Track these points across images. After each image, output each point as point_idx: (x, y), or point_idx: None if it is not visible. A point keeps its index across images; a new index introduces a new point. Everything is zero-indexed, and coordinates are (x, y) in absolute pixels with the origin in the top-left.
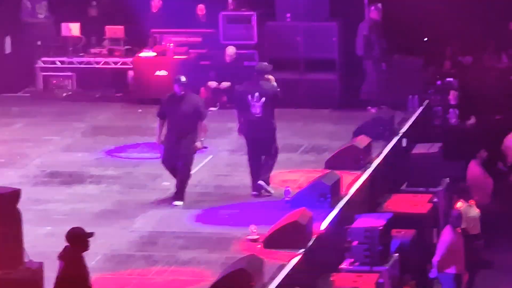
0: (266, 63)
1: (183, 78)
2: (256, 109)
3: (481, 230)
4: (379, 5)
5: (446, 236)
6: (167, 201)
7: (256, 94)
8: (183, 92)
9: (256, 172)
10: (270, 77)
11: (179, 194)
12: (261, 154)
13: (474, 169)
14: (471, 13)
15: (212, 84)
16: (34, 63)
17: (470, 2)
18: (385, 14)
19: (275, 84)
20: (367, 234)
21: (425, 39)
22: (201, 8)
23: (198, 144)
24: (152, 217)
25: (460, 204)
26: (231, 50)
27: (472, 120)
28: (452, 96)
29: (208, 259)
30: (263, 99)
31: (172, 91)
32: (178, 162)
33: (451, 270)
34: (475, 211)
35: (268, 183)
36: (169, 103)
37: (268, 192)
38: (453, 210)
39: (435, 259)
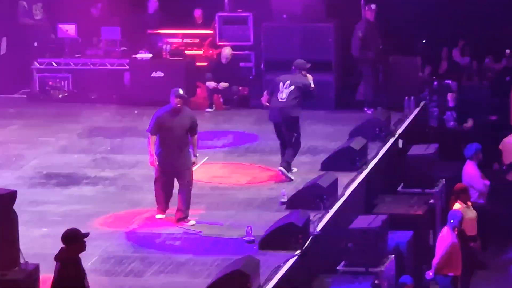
0: (303, 60)
1: (181, 91)
2: (283, 94)
3: (477, 232)
4: (373, 5)
5: (445, 238)
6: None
7: (288, 82)
8: (179, 105)
9: (282, 155)
10: (308, 76)
11: (187, 211)
12: (283, 140)
13: (470, 170)
14: (468, 14)
15: (211, 84)
16: (30, 64)
17: (468, 3)
18: (381, 14)
19: (310, 81)
20: (363, 236)
21: (424, 41)
22: (198, 12)
23: (194, 159)
24: (148, 219)
25: (458, 206)
26: (227, 51)
27: (469, 123)
28: (450, 98)
29: (204, 261)
30: (292, 87)
31: (168, 105)
32: (179, 178)
33: (449, 272)
34: (472, 213)
35: (288, 170)
36: (166, 117)
37: (289, 178)
38: (455, 211)
39: (435, 261)
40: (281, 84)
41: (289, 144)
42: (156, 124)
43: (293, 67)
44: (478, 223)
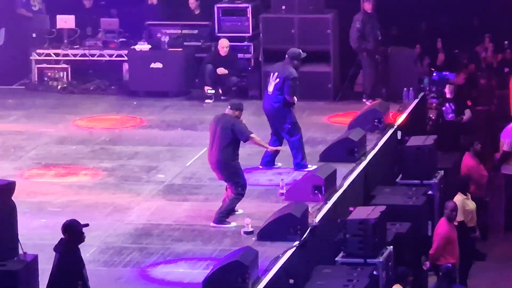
0: (297, 49)
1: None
2: (270, 87)
3: (477, 222)
4: None
5: (441, 229)
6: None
7: (276, 73)
8: None
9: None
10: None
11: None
12: (274, 133)
13: (469, 161)
14: (467, 5)
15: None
16: (28, 55)
17: None
18: (380, 5)
19: (293, 70)
20: (361, 227)
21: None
22: (192, 2)
23: None
24: (146, 209)
25: (458, 197)
26: (225, 42)
27: (467, 115)
28: (448, 89)
29: (203, 251)
30: (278, 79)
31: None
32: None
33: (445, 262)
34: (472, 204)
35: (300, 165)
36: None
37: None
38: (448, 202)
39: (431, 251)
40: (271, 75)
41: (285, 135)
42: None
43: (286, 56)
44: (478, 214)
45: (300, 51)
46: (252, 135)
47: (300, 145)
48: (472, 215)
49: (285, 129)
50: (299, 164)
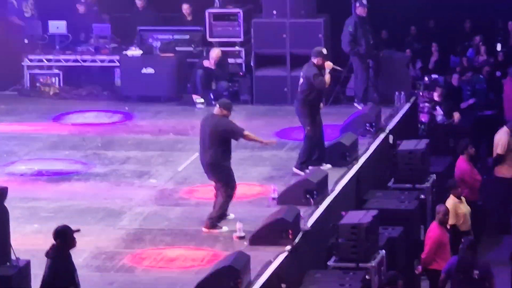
0: (318, 47)
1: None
2: (299, 88)
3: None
4: (364, 0)
5: (432, 232)
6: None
7: (301, 73)
8: None
9: None
10: (327, 63)
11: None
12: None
13: (462, 165)
14: (458, 9)
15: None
16: (20, 61)
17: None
18: (372, 9)
19: (313, 68)
20: (354, 231)
21: None
22: (185, 8)
23: None
24: (139, 214)
25: (450, 201)
26: (216, 52)
27: (456, 117)
28: (437, 93)
29: (195, 256)
30: (301, 80)
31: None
32: None
33: (437, 266)
34: (465, 208)
35: (299, 168)
36: None
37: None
38: (439, 205)
39: (423, 255)
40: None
41: (303, 141)
42: None
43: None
44: (471, 218)
45: (321, 48)
46: (245, 132)
47: (309, 151)
48: (465, 218)
49: (304, 130)
50: (299, 167)
